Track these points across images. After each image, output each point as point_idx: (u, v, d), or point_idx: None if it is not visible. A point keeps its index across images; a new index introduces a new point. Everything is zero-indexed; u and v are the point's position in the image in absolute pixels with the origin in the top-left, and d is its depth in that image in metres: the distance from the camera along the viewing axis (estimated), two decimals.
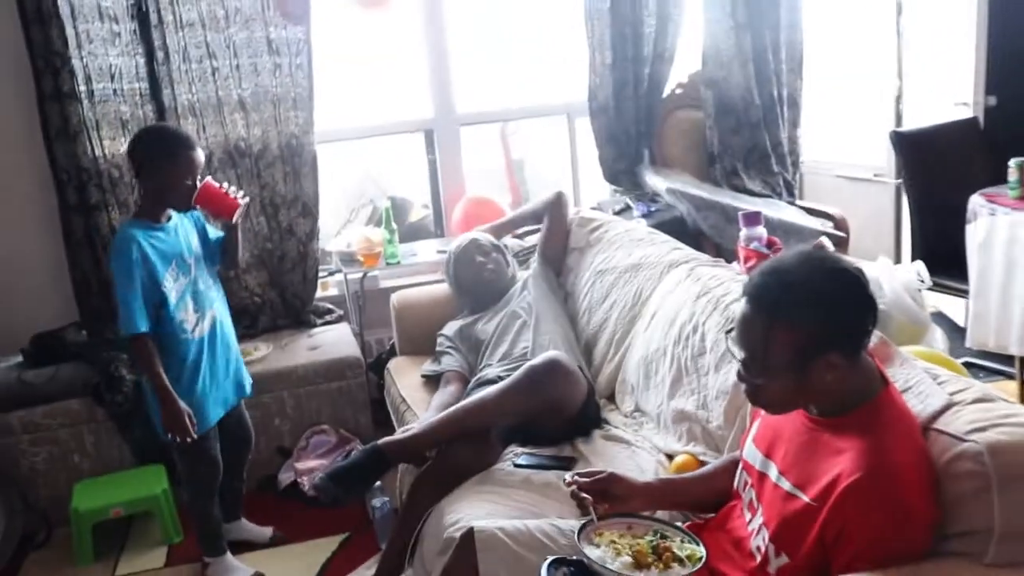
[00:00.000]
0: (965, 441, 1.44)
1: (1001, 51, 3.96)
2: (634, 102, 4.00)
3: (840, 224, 3.95)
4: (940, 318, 3.87)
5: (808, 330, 1.46)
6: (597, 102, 3.95)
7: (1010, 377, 3.42)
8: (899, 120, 4.35)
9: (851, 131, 4.72)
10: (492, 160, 5.02)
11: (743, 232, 2.64)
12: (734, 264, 2.73)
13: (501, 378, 2.49)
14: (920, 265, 2.65)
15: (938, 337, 2.57)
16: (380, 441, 2.33)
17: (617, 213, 3.67)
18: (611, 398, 2.68)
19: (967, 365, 3.58)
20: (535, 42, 4.75)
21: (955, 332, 3.57)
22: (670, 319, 2.46)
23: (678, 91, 4.14)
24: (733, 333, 1.58)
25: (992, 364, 3.56)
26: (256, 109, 3.51)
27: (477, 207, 3.93)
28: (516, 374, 2.36)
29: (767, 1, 3.89)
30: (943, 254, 3.46)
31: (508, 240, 3.37)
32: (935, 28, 4.16)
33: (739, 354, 1.56)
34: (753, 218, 2.66)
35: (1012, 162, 3.11)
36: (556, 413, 2.37)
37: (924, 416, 1.55)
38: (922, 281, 2.60)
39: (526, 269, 3.16)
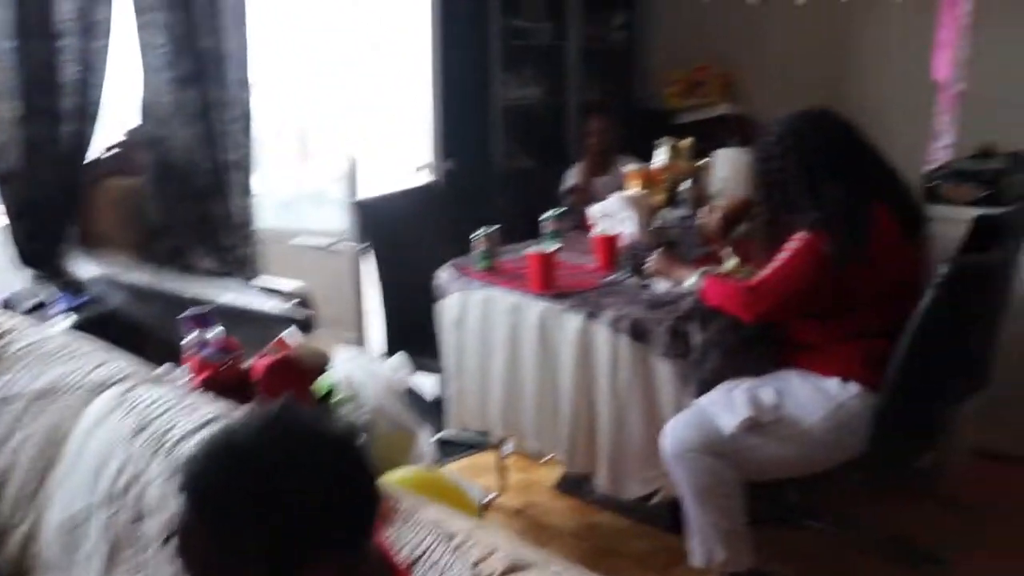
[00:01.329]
0: None
1: (456, 116, 3.95)
2: (53, 166, 3.22)
3: (305, 302, 3.58)
4: (413, 396, 3.68)
5: (266, 544, 0.98)
6: (6, 164, 3.11)
7: (488, 448, 3.32)
8: (358, 186, 4.16)
9: (308, 197, 4.48)
10: None
11: (190, 337, 2.10)
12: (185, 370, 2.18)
13: None
14: (402, 359, 2.33)
15: (424, 442, 2.27)
16: None
17: (30, 312, 2.87)
18: None
19: (441, 442, 3.43)
20: None
21: (430, 408, 3.40)
22: (96, 467, 1.82)
23: (110, 153, 3.45)
24: (174, 542, 1.04)
25: (468, 437, 3.44)
26: None
27: None
28: None
29: (211, 53, 3.39)
30: (413, 327, 3.26)
31: None
32: (391, 92, 4.04)
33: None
34: (200, 320, 2.14)
35: (477, 233, 2.98)
36: None
37: None
38: (406, 379, 2.28)
39: None
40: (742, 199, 2.99)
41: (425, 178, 3.88)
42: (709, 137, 3.71)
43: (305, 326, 3.48)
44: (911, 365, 2.17)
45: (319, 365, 2.27)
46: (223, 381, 2.11)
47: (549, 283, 2.71)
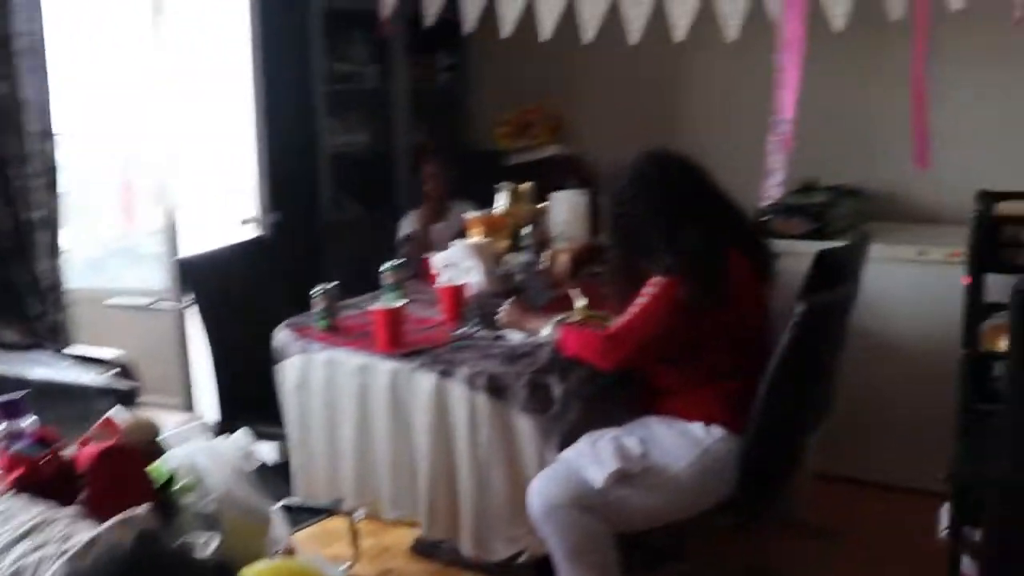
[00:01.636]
0: None
1: (282, 166, 3.78)
2: None
3: (126, 370, 3.29)
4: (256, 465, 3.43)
5: None
6: None
7: (338, 513, 3.14)
8: (180, 240, 3.91)
9: (123, 253, 4.19)
10: None
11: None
12: None
13: None
14: (245, 435, 2.14)
15: (279, 523, 2.07)
16: None
17: None
18: None
19: (288, 508, 3.22)
20: None
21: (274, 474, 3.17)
22: None
23: None
24: None
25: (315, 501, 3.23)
26: None
27: None
28: None
29: (8, 100, 3.08)
30: (248, 392, 3.06)
31: None
32: (214, 142, 3.82)
33: None
34: (8, 407, 1.89)
35: (315, 291, 2.81)
36: None
37: None
38: (254, 457, 2.09)
39: None
40: (588, 242, 2.98)
41: (252, 232, 3.66)
42: (541, 178, 3.70)
43: (128, 398, 3.20)
44: (772, 405, 2.18)
45: (154, 447, 2.05)
46: (41, 478, 1.85)
47: (397, 341, 2.58)
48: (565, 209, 3.42)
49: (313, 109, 4.04)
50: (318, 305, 2.80)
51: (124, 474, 1.86)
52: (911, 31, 2.78)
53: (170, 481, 1.94)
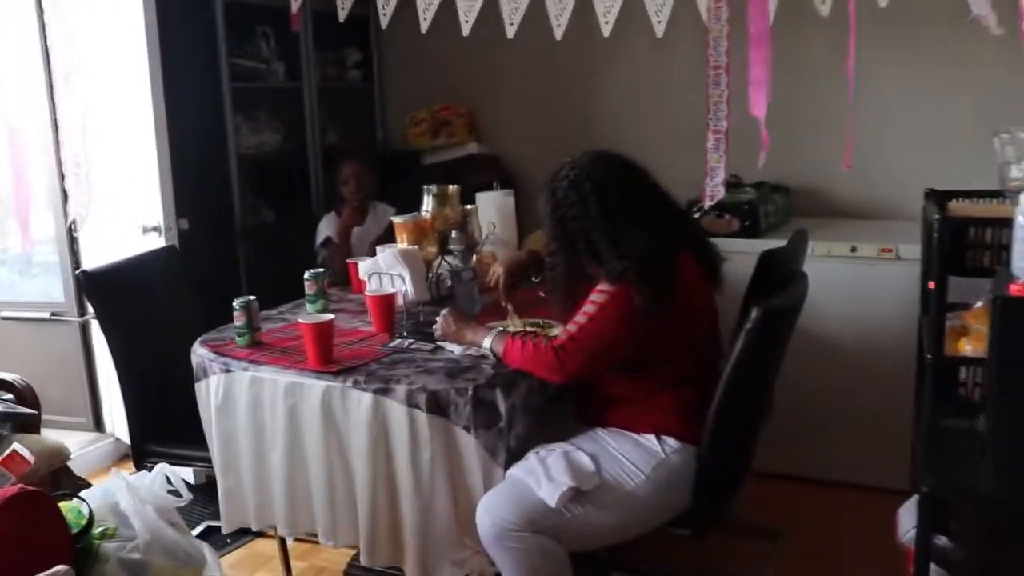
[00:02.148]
0: None
1: (188, 170, 3.56)
2: None
3: (23, 394, 3.06)
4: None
5: None
6: None
7: (264, 535, 2.98)
8: (80, 250, 3.68)
9: (16, 262, 3.93)
10: None
11: None
12: None
13: None
14: (166, 469, 1.95)
15: (212, 564, 1.89)
16: None
17: None
18: None
19: (212, 530, 3.05)
20: None
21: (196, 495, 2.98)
22: None
23: None
24: None
25: None
26: None
27: None
28: None
29: None
30: (163, 411, 2.88)
31: None
32: (115, 145, 3.57)
33: None
34: None
35: (236, 303, 2.62)
36: None
37: None
38: (178, 494, 1.91)
39: None
40: (521, 254, 2.85)
41: (157, 241, 3.42)
42: (460, 178, 3.59)
43: (28, 426, 2.97)
44: (728, 412, 2.12)
45: (66, 485, 1.86)
46: None
47: (327, 356, 2.42)
48: (492, 210, 3.30)
49: (219, 108, 3.82)
50: (238, 319, 2.62)
51: (36, 523, 1.66)
52: (839, 28, 2.75)
53: (89, 525, 1.75)
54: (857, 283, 3.15)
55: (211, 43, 3.80)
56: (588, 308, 2.19)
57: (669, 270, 2.16)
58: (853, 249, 3.15)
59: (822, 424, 3.30)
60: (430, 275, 2.96)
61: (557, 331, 2.49)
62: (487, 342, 2.36)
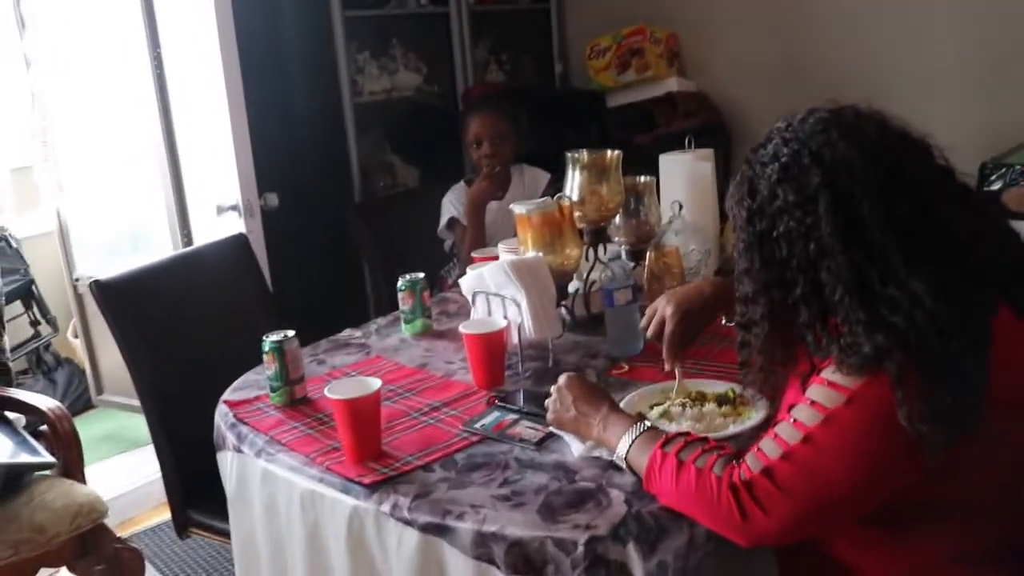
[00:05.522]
0: None
1: (279, 130, 2.77)
2: None
3: (56, 425, 2.41)
4: None
5: None
6: None
7: None
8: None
9: None
10: None
11: None
12: None
13: None
14: None
15: None
16: None
17: None
18: None
19: None
20: None
21: None
22: None
23: None
24: None
25: None
26: None
27: None
28: None
29: None
30: (202, 471, 2.05)
31: None
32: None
33: None
34: None
35: (265, 341, 1.74)
36: None
37: None
38: None
39: None
40: (714, 282, 1.73)
41: (236, 224, 2.61)
42: (652, 126, 2.52)
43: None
44: None
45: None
46: None
47: (368, 449, 1.48)
48: (679, 182, 2.23)
49: (330, 43, 2.95)
50: (269, 365, 1.74)
51: None
52: None
53: None
54: None
55: None
56: (804, 415, 1.12)
57: (981, 355, 1.04)
58: None
59: None
60: (576, 291, 1.95)
61: (756, 415, 1.44)
62: (622, 447, 1.33)
